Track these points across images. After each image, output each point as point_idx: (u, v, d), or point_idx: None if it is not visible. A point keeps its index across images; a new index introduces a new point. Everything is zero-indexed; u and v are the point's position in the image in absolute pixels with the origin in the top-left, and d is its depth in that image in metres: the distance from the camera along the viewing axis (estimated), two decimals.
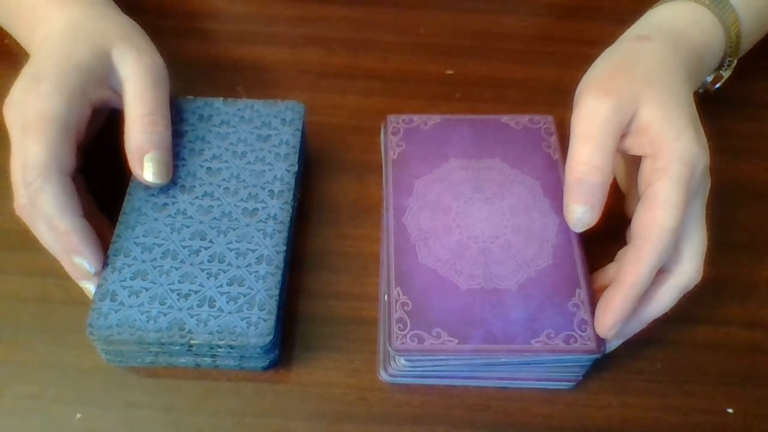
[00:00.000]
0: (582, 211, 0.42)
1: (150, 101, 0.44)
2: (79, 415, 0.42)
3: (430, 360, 0.40)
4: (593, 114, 0.41)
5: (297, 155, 0.47)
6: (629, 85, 0.42)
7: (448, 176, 0.47)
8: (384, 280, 0.44)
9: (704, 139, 0.42)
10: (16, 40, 0.51)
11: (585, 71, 0.45)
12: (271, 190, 0.45)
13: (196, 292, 0.41)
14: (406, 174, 0.47)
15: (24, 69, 0.43)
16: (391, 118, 0.50)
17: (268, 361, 0.42)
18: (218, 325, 0.40)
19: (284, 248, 0.43)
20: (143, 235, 0.43)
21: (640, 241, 0.40)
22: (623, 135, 0.42)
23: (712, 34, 0.48)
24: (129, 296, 0.40)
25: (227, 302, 0.41)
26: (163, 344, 0.40)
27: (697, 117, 0.43)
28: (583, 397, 0.43)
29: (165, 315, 0.40)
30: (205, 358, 0.42)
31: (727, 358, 0.45)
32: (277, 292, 0.41)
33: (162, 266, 0.42)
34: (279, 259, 0.42)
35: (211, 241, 0.43)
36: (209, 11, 0.62)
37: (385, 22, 0.62)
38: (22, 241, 0.43)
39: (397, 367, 0.42)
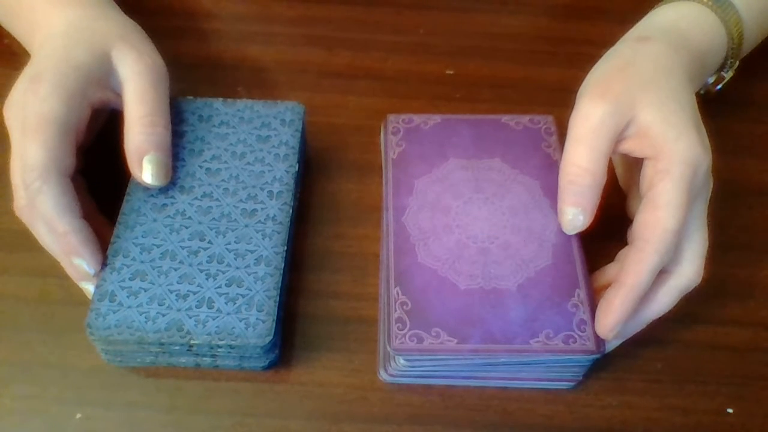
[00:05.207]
0: (573, 213, 0.42)
1: (150, 102, 0.44)
2: (79, 415, 0.42)
3: (430, 360, 0.40)
4: (587, 117, 0.41)
5: (296, 156, 0.47)
6: (627, 88, 0.42)
7: (448, 176, 0.46)
8: (384, 280, 0.44)
9: (707, 141, 0.42)
10: (16, 40, 0.51)
11: (585, 71, 0.45)
12: (270, 191, 0.45)
13: (195, 293, 0.41)
14: (406, 174, 0.47)
15: (24, 70, 0.43)
16: (391, 118, 0.50)
17: (268, 361, 0.43)
18: (217, 326, 0.40)
19: (283, 249, 0.43)
20: (142, 236, 0.43)
21: (641, 242, 0.40)
22: (623, 138, 0.42)
23: (715, 35, 0.48)
24: (128, 297, 0.40)
25: (226, 303, 0.41)
26: (162, 344, 0.40)
27: (699, 118, 0.43)
28: (583, 397, 0.43)
29: (164, 316, 0.40)
30: (205, 358, 0.42)
31: (727, 358, 0.45)
32: (276, 293, 0.41)
33: (161, 267, 0.42)
34: (278, 260, 0.42)
35: (210, 242, 0.43)
36: (209, 11, 0.62)
37: (385, 22, 0.62)
38: (22, 241, 0.43)
39: (396, 367, 0.42)
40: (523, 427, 0.42)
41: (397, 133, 0.49)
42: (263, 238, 0.43)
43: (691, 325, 0.46)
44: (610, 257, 0.44)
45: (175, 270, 0.42)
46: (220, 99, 0.49)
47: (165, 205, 0.44)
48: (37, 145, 0.40)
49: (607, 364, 0.44)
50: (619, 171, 0.48)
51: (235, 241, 0.43)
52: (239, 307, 0.41)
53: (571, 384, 0.43)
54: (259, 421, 0.42)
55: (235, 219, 0.44)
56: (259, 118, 0.48)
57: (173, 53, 0.48)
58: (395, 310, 0.40)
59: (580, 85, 0.45)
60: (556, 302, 0.41)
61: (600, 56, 0.46)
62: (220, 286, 0.41)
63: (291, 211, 0.45)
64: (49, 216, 0.40)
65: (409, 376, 0.43)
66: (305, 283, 0.47)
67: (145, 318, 0.40)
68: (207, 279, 0.41)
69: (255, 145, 0.47)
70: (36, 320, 0.45)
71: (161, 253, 0.42)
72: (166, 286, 0.41)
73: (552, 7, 0.64)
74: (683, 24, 0.47)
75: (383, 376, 0.43)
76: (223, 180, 0.45)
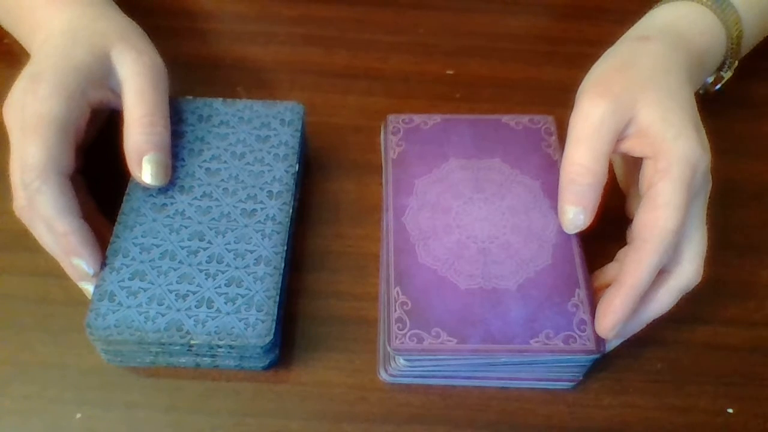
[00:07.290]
0: (574, 212, 0.42)
1: (149, 102, 0.44)
2: (79, 415, 0.42)
3: (430, 360, 0.40)
4: (588, 116, 0.41)
5: (296, 156, 0.47)
6: (627, 88, 0.42)
7: (448, 176, 0.46)
8: (384, 280, 0.44)
9: (705, 140, 0.42)
10: (16, 40, 0.51)
11: (585, 71, 0.45)
12: (270, 191, 0.45)
13: (194, 293, 0.41)
14: (406, 174, 0.47)
15: (24, 69, 0.43)
16: (391, 118, 0.50)
17: (268, 361, 0.43)
18: (216, 326, 0.40)
19: (283, 249, 0.43)
20: (142, 236, 0.43)
21: (640, 242, 0.40)
22: (623, 137, 0.42)
23: (714, 35, 0.48)
24: (127, 297, 0.40)
25: (225, 303, 0.41)
26: (162, 344, 0.40)
27: (699, 118, 0.43)
28: (583, 397, 0.43)
29: (163, 315, 0.40)
30: (205, 358, 0.42)
31: (727, 358, 0.45)
32: (275, 293, 0.41)
33: (160, 267, 0.42)
34: (277, 260, 0.42)
35: (209, 242, 0.43)
36: (209, 11, 0.62)
37: (385, 22, 0.62)
38: (22, 241, 0.43)
39: (396, 367, 0.42)
40: (523, 427, 0.42)
41: (397, 133, 0.49)
42: (263, 238, 0.43)
43: (691, 325, 0.46)
44: (610, 257, 0.44)
45: (175, 270, 0.42)
46: (220, 99, 0.49)
47: (165, 205, 0.44)
48: (35, 145, 0.40)
49: (607, 364, 0.44)
50: (619, 171, 0.48)
51: (234, 241, 0.43)
52: (239, 307, 0.40)
53: (571, 384, 0.43)
54: (259, 421, 0.42)
55: (235, 219, 0.44)
56: (259, 118, 0.48)
57: (173, 53, 0.48)
58: (395, 310, 0.40)
59: (580, 85, 0.45)
60: (556, 302, 0.41)
61: (600, 56, 0.46)
62: (219, 286, 0.41)
63: (291, 211, 0.45)
64: (48, 216, 0.40)
65: (409, 376, 0.43)
66: (305, 283, 0.47)
67: (145, 318, 0.40)
68: (206, 279, 0.41)
69: (255, 145, 0.47)
70: (36, 320, 0.45)
71: (161, 253, 0.42)
72: (165, 286, 0.41)
73: (552, 7, 0.64)
74: (682, 24, 0.47)
75: (383, 376, 0.43)
76: (222, 180, 0.45)
